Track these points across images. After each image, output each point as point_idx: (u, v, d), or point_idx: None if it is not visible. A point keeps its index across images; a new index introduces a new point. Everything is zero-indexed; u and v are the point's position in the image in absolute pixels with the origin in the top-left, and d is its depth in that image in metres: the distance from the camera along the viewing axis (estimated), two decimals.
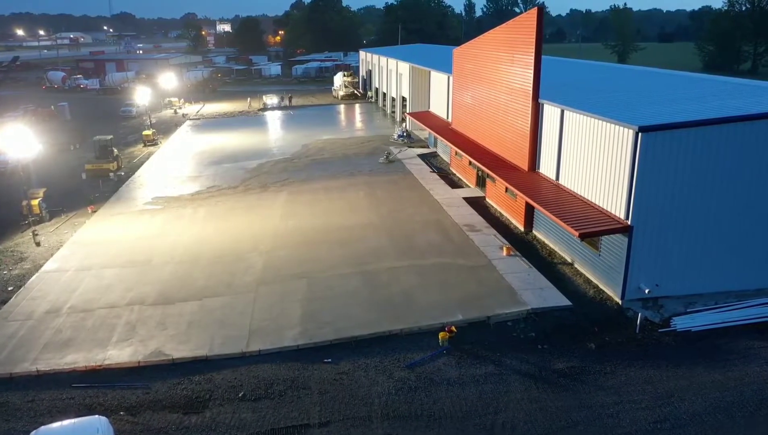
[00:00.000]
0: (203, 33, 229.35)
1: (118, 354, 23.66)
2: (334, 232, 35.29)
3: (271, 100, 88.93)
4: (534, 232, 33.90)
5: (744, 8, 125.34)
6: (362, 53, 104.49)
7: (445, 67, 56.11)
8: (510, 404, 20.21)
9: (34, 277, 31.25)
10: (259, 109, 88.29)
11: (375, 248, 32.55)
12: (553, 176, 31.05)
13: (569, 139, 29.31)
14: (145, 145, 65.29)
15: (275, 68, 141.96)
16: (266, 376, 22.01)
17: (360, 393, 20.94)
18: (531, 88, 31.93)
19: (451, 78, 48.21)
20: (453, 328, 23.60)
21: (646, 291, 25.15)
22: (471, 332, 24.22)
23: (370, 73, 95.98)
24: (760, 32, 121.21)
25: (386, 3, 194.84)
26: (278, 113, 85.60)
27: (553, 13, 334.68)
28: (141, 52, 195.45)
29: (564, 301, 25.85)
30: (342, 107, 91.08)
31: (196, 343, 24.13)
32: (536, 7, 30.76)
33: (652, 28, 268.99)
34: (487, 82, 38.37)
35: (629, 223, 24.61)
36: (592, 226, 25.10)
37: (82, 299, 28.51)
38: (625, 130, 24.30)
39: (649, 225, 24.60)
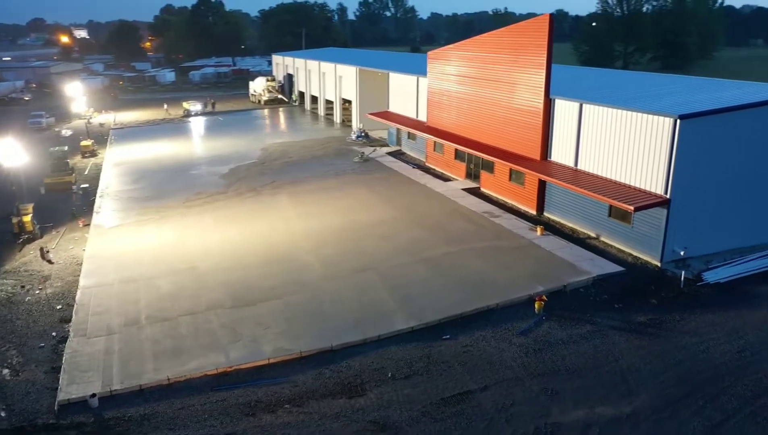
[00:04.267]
0: (67, 39, 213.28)
1: (240, 355, 24.05)
2: (366, 229, 36.86)
3: (194, 106, 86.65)
4: (546, 214, 37.88)
5: (616, 12, 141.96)
6: (277, 57, 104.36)
7: (395, 68, 59.63)
8: (624, 353, 23.67)
9: (79, 294, 29.98)
10: (183, 116, 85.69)
11: (417, 239, 34.74)
12: (570, 163, 35.16)
13: (590, 129, 33.50)
14: (84, 157, 61.72)
15: (170, 75, 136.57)
16: (401, 357, 23.69)
17: (495, 359, 23.38)
18: (543, 86, 35.87)
19: (421, 79, 51.30)
20: (544, 297, 26.72)
21: (681, 253, 29.83)
22: (553, 300, 27.45)
23: (290, 76, 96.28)
24: (630, 33, 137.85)
25: (269, 7, 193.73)
26: (203, 120, 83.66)
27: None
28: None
29: (617, 268, 29.90)
30: (269, 112, 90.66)
31: (311, 337, 25.04)
32: (548, 14, 34.74)
33: None
34: (483, 81, 41.84)
35: (668, 196, 29.16)
36: (639, 201, 29.34)
37: (154, 309, 28.09)
38: (664, 119, 28.78)
39: (683, 197, 29.31)
